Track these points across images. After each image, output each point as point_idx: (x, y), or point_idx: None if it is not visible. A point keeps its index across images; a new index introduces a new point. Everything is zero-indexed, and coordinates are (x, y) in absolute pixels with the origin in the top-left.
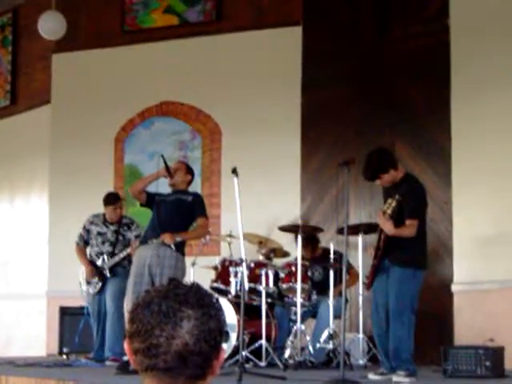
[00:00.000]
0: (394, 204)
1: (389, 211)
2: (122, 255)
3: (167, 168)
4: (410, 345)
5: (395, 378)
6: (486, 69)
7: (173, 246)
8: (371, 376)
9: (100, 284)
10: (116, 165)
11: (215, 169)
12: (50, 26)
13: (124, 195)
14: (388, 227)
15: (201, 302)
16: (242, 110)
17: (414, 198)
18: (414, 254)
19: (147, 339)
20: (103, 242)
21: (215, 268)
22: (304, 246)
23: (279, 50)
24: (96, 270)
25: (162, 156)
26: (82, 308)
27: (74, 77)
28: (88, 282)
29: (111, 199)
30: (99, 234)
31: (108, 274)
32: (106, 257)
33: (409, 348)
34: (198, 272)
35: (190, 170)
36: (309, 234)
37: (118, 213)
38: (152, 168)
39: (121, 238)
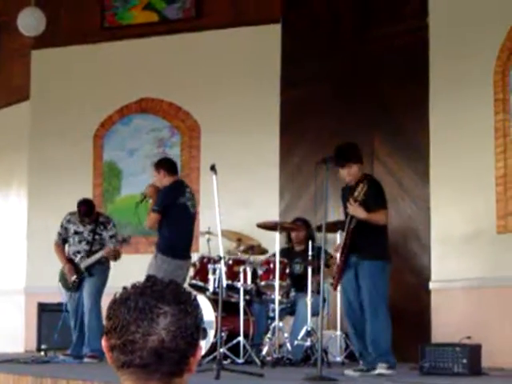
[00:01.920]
0: (365, 188)
1: (361, 195)
2: (96, 257)
3: (144, 198)
4: (388, 336)
5: (377, 371)
6: (464, 68)
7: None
8: (349, 372)
9: (77, 282)
10: (95, 161)
11: (194, 166)
12: (30, 22)
13: (102, 192)
14: (360, 212)
15: (178, 298)
16: (221, 108)
17: (379, 191)
18: (381, 248)
19: (123, 335)
20: (80, 241)
21: (194, 265)
22: (302, 241)
23: (258, 48)
24: (75, 268)
25: (138, 203)
26: (60, 304)
27: (54, 73)
28: (66, 279)
29: (82, 212)
30: (76, 232)
31: (85, 274)
32: (83, 255)
33: (387, 339)
34: None
35: (158, 166)
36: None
37: (91, 219)
38: (131, 165)
39: (97, 237)
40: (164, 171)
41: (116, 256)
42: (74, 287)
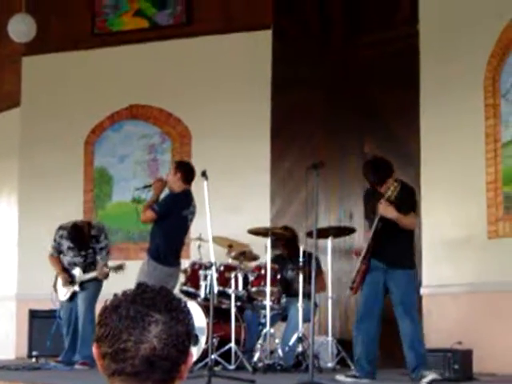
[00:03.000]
0: (398, 188)
1: (393, 196)
2: (90, 276)
3: (147, 186)
4: (424, 343)
5: (425, 379)
6: (455, 74)
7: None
8: (340, 378)
9: (70, 294)
10: (86, 168)
11: None
12: (20, 28)
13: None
14: (390, 211)
15: (169, 306)
16: (211, 114)
17: (411, 195)
18: (411, 256)
19: (115, 343)
20: (74, 256)
21: (185, 271)
22: (285, 246)
23: (249, 54)
24: (70, 277)
25: (137, 189)
26: (51, 311)
27: (44, 80)
28: (61, 288)
29: (72, 238)
30: (69, 248)
31: (77, 288)
32: (78, 268)
33: (424, 346)
34: None
35: (178, 167)
36: (289, 237)
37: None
38: (122, 171)
39: (90, 250)
40: (181, 175)
41: (107, 276)
42: (68, 297)
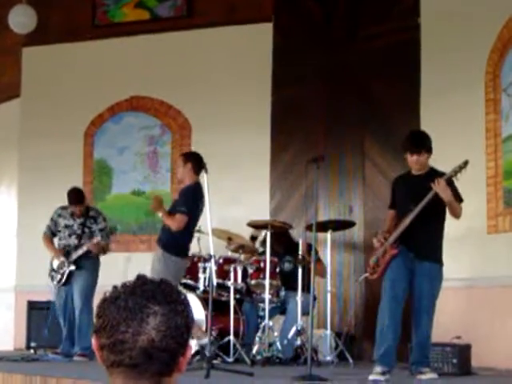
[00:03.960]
0: (450, 174)
1: (447, 177)
2: (81, 251)
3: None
4: (431, 340)
5: (424, 376)
6: (456, 68)
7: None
8: (374, 377)
9: (66, 274)
10: (85, 159)
11: None
12: (21, 19)
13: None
14: (448, 192)
15: (168, 298)
16: (212, 106)
17: (455, 187)
18: (441, 250)
19: (113, 335)
20: (70, 235)
21: None
22: (277, 240)
23: (250, 47)
24: (65, 254)
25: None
26: (50, 302)
27: (44, 71)
28: (55, 271)
29: (72, 199)
30: (66, 226)
31: (72, 267)
32: (71, 250)
33: (431, 344)
34: None
35: (187, 158)
36: (279, 231)
37: (80, 210)
38: (121, 163)
39: (87, 230)
40: (192, 165)
41: (105, 250)
42: (64, 280)
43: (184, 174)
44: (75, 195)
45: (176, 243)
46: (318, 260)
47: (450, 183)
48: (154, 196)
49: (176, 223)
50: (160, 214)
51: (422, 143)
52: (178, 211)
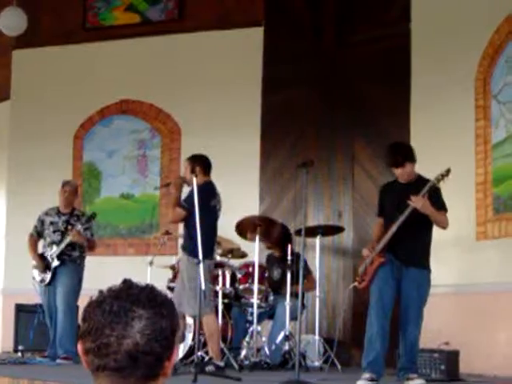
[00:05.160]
0: (431, 185)
1: (426, 190)
2: (64, 243)
3: (166, 185)
4: (418, 346)
5: (412, 382)
6: (446, 74)
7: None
8: (362, 383)
9: (49, 275)
10: (75, 162)
11: (174, 168)
12: (11, 21)
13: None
14: (427, 205)
15: (153, 302)
16: (202, 110)
17: (439, 193)
18: (428, 256)
19: (98, 338)
20: (54, 232)
21: (172, 267)
22: (275, 244)
23: (240, 51)
24: (44, 263)
25: (156, 188)
26: (37, 306)
27: (34, 73)
28: (38, 274)
29: (64, 182)
30: (51, 223)
31: (56, 263)
32: (55, 246)
33: (418, 350)
34: (156, 271)
35: (194, 161)
36: (279, 234)
37: (66, 197)
38: (110, 166)
39: (70, 227)
40: (200, 168)
41: (91, 246)
42: (47, 281)
43: (191, 179)
44: (67, 181)
45: (201, 246)
46: (309, 273)
47: (434, 193)
48: (179, 176)
49: (172, 216)
50: (172, 195)
51: (402, 156)
52: (179, 205)
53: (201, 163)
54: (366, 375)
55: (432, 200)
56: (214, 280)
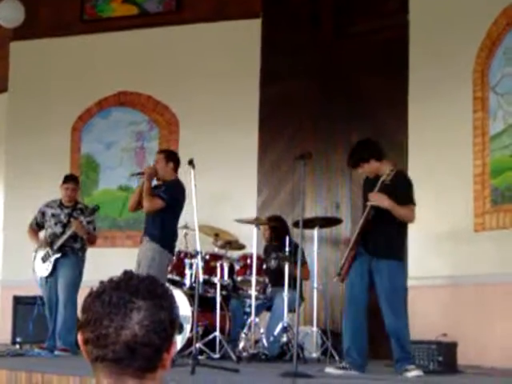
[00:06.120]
0: (392, 174)
1: (388, 179)
2: (66, 235)
3: (140, 174)
4: (409, 336)
5: (409, 374)
6: (443, 64)
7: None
8: (330, 370)
9: (51, 266)
10: (73, 154)
11: None
12: (8, 13)
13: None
14: (382, 200)
15: (152, 293)
16: (199, 102)
17: (409, 186)
18: (399, 247)
19: (97, 329)
20: (56, 224)
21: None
22: (273, 236)
23: (238, 43)
24: (48, 241)
25: (132, 174)
26: (35, 297)
27: (32, 65)
28: (40, 262)
29: (65, 178)
30: (53, 215)
31: (57, 255)
32: (56, 238)
33: (409, 339)
34: None
35: (169, 157)
36: (278, 226)
37: (68, 194)
38: (108, 158)
39: (72, 220)
40: (174, 165)
41: (91, 239)
42: (48, 271)
43: (166, 172)
44: (71, 175)
45: (169, 237)
46: (304, 263)
47: (402, 186)
48: (151, 167)
49: (152, 204)
50: (145, 185)
51: (354, 160)
52: (158, 195)
53: (175, 161)
54: (341, 363)
55: (397, 193)
56: (212, 271)
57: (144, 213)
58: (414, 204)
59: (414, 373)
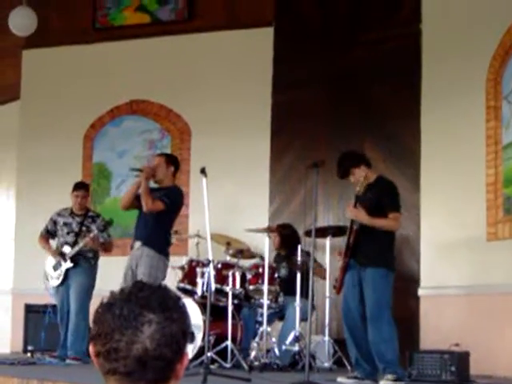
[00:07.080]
0: (364, 185)
1: (362, 190)
2: (79, 246)
3: (138, 170)
4: (393, 347)
5: (382, 382)
6: (457, 74)
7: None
8: (342, 380)
9: (62, 275)
10: (84, 162)
11: (184, 168)
12: (21, 21)
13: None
14: (362, 215)
15: (163, 305)
16: (212, 110)
17: (392, 193)
18: (385, 255)
19: (107, 343)
20: (68, 233)
21: (182, 268)
22: (283, 244)
23: (251, 51)
24: (59, 251)
25: (131, 169)
26: (47, 306)
27: (44, 73)
28: (51, 272)
29: (75, 186)
30: (65, 224)
31: (69, 264)
32: (68, 247)
33: (394, 349)
34: None
35: (171, 161)
36: (287, 234)
37: (79, 202)
38: (120, 166)
39: (84, 229)
40: (174, 170)
41: (107, 247)
42: (60, 280)
43: (165, 176)
44: (81, 182)
45: (165, 243)
46: (319, 266)
47: (384, 194)
48: (151, 167)
49: (153, 206)
50: (143, 184)
51: (345, 167)
52: (160, 198)
53: (176, 166)
54: (353, 373)
55: (381, 201)
56: (223, 280)
57: (137, 215)
58: (397, 212)
59: (388, 382)
